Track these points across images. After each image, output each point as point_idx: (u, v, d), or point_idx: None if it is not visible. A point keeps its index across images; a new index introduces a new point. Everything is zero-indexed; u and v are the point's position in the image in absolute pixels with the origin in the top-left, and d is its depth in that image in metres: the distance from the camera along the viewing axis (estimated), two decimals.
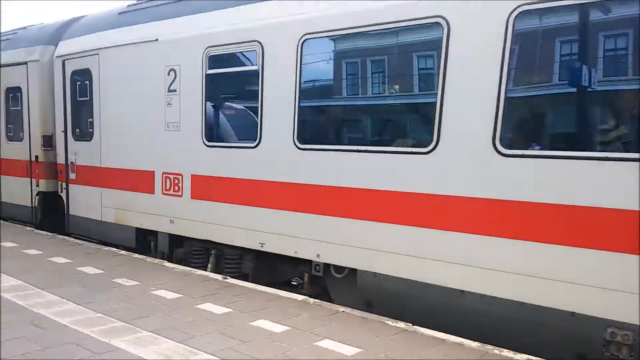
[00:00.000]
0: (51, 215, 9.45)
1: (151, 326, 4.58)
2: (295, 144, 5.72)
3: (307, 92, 5.90)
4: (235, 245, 6.47)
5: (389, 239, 5.09)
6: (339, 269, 5.58)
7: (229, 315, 4.97)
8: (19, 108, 9.78)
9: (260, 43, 6.03)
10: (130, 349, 4.05)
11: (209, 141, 6.67)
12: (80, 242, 8.15)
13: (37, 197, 9.49)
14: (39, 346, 4.02)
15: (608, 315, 3.98)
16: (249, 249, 6.35)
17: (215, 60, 6.60)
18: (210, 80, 6.66)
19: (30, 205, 9.64)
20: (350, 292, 5.54)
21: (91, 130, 8.37)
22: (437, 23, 4.77)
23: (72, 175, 8.84)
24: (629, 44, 4.06)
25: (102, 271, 6.42)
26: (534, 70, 4.75)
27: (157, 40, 7.29)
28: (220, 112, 7.16)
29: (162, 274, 6.46)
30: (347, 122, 6.20)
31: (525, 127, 4.82)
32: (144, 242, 7.80)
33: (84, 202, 8.57)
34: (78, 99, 8.70)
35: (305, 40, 5.64)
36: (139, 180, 7.63)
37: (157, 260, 7.14)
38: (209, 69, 6.62)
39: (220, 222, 6.57)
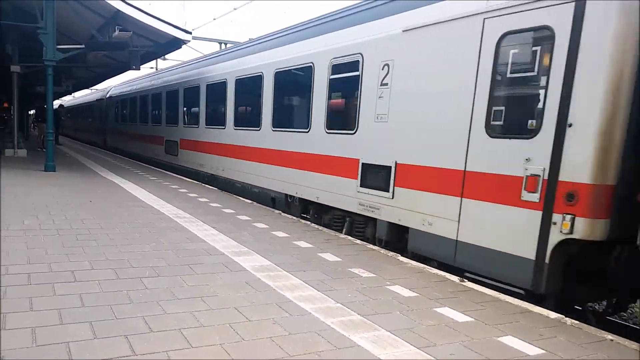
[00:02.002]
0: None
1: (389, 325, 4.38)
2: None
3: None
4: None
5: None
6: None
7: (471, 325, 4.50)
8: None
9: None
10: (369, 348, 3.89)
11: None
12: (320, 228, 8.54)
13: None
14: (285, 331, 4.11)
15: None
16: None
17: None
18: None
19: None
20: None
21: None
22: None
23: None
24: None
25: (339, 259, 6.53)
26: None
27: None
28: None
29: (396, 268, 6.29)
30: None
31: None
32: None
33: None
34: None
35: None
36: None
37: (390, 253, 7.02)
38: None
39: None
